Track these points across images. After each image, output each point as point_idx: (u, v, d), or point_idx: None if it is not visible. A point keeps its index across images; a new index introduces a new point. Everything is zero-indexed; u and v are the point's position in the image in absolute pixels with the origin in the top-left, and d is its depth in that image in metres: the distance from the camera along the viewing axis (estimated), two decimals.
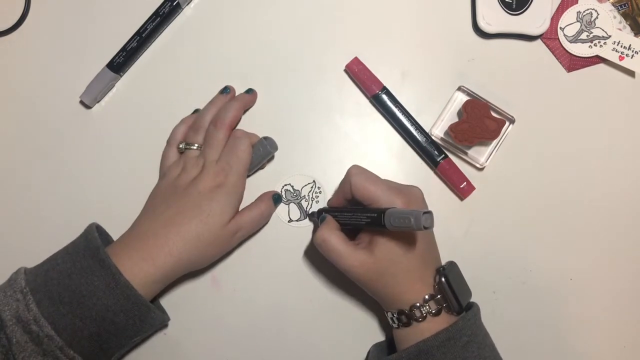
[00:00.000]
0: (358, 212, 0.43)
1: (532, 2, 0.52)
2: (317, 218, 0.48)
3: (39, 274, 0.41)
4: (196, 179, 0.46)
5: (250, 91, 0.52)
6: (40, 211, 0.51)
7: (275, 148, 0.50)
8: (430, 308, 0.42)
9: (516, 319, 0.52)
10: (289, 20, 0.53)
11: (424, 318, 0.42)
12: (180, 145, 0.49)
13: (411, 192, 0.44)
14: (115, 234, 0.47)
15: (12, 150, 0.52)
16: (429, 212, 0.38)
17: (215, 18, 0.54)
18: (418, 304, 0.42)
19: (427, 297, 0.42)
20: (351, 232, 0.46)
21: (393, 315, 0.44)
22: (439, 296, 0.43)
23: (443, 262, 0.46)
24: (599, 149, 0.53)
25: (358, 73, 0.52)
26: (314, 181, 0.52)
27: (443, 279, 0.43)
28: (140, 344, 0.50)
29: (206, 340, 0.50)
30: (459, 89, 0.52)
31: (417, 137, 0.51)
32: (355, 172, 0.45)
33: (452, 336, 0.41)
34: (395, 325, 0.44)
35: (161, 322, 0.45)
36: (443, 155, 0.51)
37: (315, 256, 0.51)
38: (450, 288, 0.42)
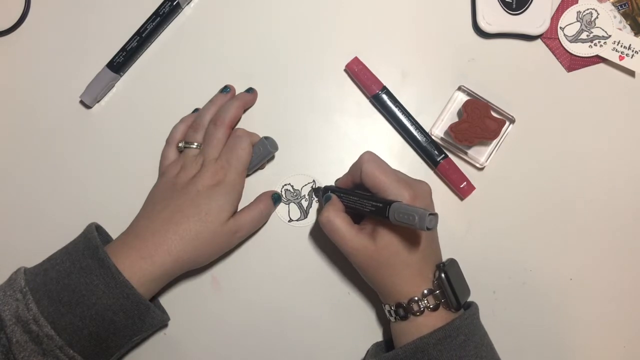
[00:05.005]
0: (364, 199, 0.43)
1: (532, 2, 0.52)
2: (321, 195, 0.48)
3: (38, 274, 0.41)
4: (195, 178, 0.46)
5: (250, 90, 0.52)
6: (40, 211, 0.51)
7: (276, 148, 0.50)
8: (428, 303, 0.42)
9: (516, 319, 0.52)
10: (289, 20, 0.53)
11: (422, 312, 0.42)
12: (180, 144, 0.49)
13: (420, 187, 0.44)
14: (115, 234, 0.47)
15: (13, 150, 0.52)
16: (435, 214, 0.38)
17: (215, 18, 0.54)
18: (416, 298, 0.42)
19: (425, 291, 0.42)
20: (356, 215, 0.46)
21: (391, 308, 0.44)
22: (437, 292, 0.43)
23: (443, 259, 0.46)
24: (599, 148, 0.53)
25: (358, 73, 0.52)
26: (314, 181, 0.52)
27: (443, 275, 0.43)
28: (140, 344, 0.50)
29: (206, 340, 0.50)
30: (459, 88, 0.52)
31: (417, 137, 0.51)
32: (367, 159, 0.44)
33: (449, 334, 0.41)
34: (392, 319, 0.44)
35: (161, 321, 0.45)
36: (443, 155, 0.51)
37: (315, 256, 0.51)
38: (450, 284, 0.42)
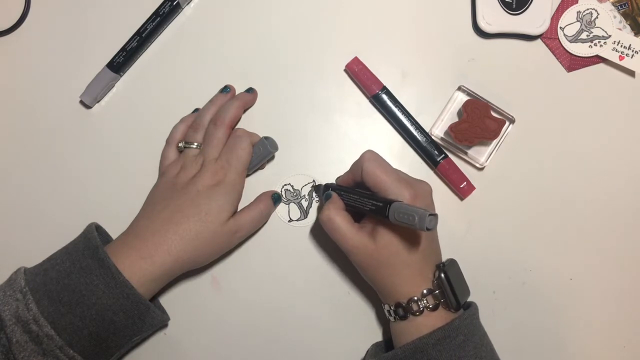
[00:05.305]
0: (364, 197, 0.43)
1: (532, 2, 0.52)
2: (322, 193, 0.48)
3: (38, 274, 0.41)
4: (195, 177, 0.46)
5: (250, 90, 0.52)
6: (40, 211, 0.51)
7: (276, 148, 0.50)
8: (427, 303, 0.42)
9: (516, 319, 0.52)
10: (289, 20, 0.53)
11: (421, 312, 0.42)
12: (180, 144, 0.49)
13: (420, 187, 0.44)
14: (115, 234, 0.47)
15: (13, 150, 0.52)
16: (434, 215, 0.38)
17: (215, 18, 0.54)
18: (416, 298, 0.42)
19: (425, 291, 0.42)
20: (356, 214, 0.46)
21: (390, 307, 0.44)
22: (437, 291, 0.43)
23: (443, 259, 0.46)
24: (599, 149, 0.53)
25: (358, 73, 0.52)
26: (314, 181, 0.52)
27: (442, 275, 0.43)
28: (140, 344, 0.50)
29: (206, 340, 0.50)
30: (459, 88, 0.52)
31: (417, 137, 0.51)
32: (368, 158, 0.44)
33: (448, 335, 0.41)
34: (392, 319, 0.44)
35: (161, 321, 0.45)
36: (443, 155, 0.51)
37: (315, 256, 0.51)
38: (449, 284, 0.42)
